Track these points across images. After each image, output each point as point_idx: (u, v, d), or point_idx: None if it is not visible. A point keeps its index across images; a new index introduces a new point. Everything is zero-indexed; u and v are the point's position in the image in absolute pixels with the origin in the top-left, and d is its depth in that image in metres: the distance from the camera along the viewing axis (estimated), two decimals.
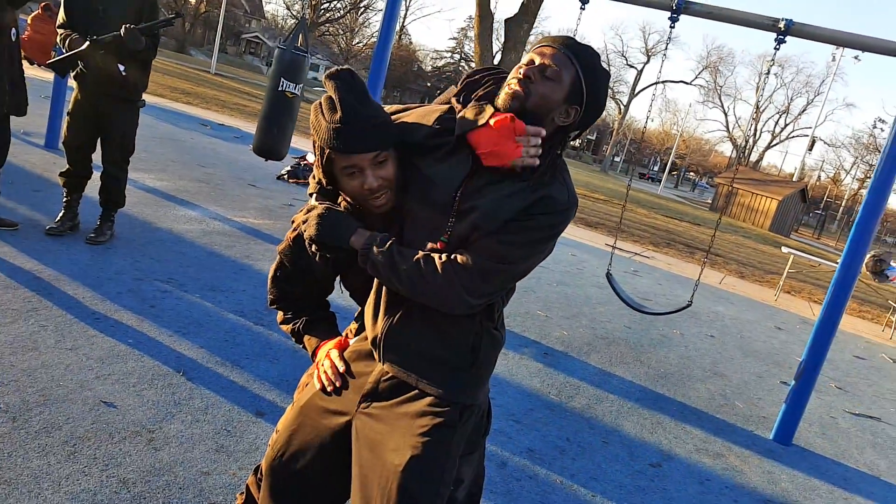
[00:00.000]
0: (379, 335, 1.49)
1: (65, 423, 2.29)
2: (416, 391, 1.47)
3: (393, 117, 1.52)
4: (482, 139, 1.36)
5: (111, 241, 4.29)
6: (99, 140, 4.25)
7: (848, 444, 4.24)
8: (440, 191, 1.42)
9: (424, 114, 1.52)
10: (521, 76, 1.39)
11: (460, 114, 1.43)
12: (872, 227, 3.74)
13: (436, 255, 1.40)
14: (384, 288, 1.50)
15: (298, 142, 12.60)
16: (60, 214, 4.23)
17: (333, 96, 1.38)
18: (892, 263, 8.97)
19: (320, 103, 1.41)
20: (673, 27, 3.99)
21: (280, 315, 1.70)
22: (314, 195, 1.56)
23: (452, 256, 1.39)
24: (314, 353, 1.64)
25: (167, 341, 3.09)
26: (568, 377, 4.06)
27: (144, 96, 4.37)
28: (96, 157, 4.28)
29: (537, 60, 1.40)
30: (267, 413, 2.71)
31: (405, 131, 1.49)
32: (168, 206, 5.55)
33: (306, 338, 1.67)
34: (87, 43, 3.81)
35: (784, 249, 10.63)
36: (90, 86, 4.03)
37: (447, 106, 1.51)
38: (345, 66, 1.43)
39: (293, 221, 1.55)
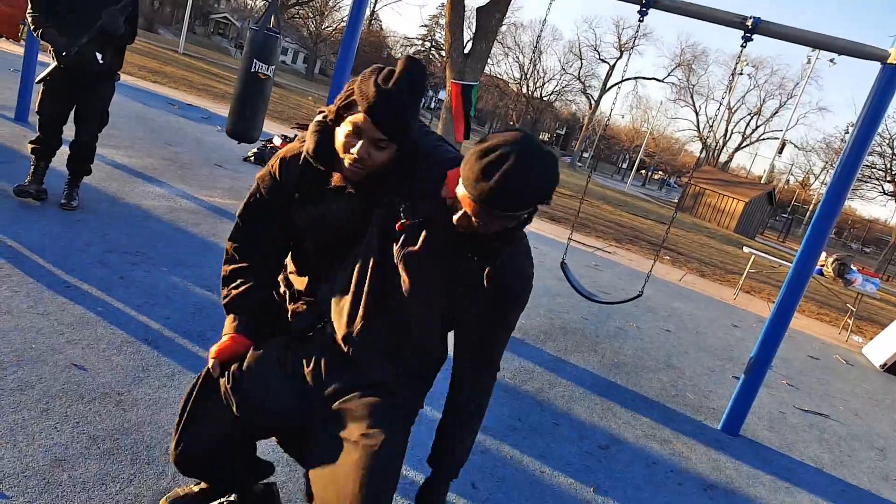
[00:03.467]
0: (355, 332, 1.57)
1: (38, 383, 2.37)
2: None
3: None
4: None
5: (79, 210, 4.34)
6: (73, 111, 4.27)
7: (795, 437, 4.42)
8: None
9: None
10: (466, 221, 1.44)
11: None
12: (828, 229, 3.86)
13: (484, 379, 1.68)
14: (365, 293, 1.56)
15: (268, 125, 12.55)
16: (28, 178, 4.26)
17: (398, 75, 1.45)
18: (853, 267, 9.31)
19: (380, 69, 1.49)
20: (642, 21, 4.02)
21: (226, 269, 1.75)
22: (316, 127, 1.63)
23: (488, 372, 1.68)
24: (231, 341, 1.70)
25: (135, 311, 3.16)
26: (523, 362, 4.21)
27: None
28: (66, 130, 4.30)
29: (473, 219, 1.42)
30: None
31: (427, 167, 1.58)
32: (135, 183, 5.55)
33: (233, 318, 1.72)
34: (69, 52, 3.87)
35: (745, 249, 10.96)
36: (70, 64, 4.04)
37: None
38: (421, 59, 1.51)
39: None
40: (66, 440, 2.11)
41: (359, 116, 1.47)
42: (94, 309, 3.05)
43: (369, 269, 1.56)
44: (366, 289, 1.56)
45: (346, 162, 1.52)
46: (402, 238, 1.53)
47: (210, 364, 1.63)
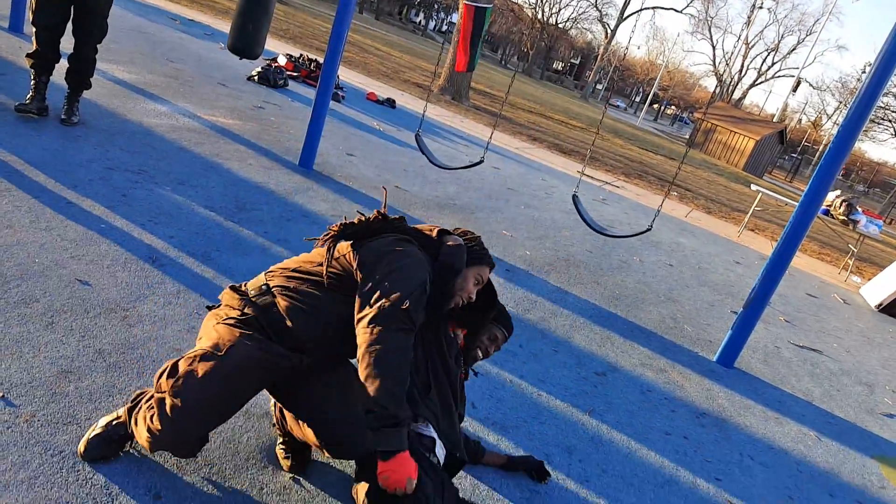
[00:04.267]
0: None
1: (42, 297, 2.38)
2: None
3: None
4: None
5: (80, 126, 4.27)
6: (71, 23, 4.15)
7: (787, 371, 4.50)
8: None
9: None
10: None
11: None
12: (836, 168, 3.81)
13: None
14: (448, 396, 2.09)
15: (272, 44, 12.24)
16: (29, 95, 4.18)
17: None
18: (858, 209, 9.28)
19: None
20: None
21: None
22: None
23: None
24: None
25: (139, 229, 3.16)
26: (527, 292, 4.24)
27: None
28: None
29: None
30: None
31: None
32: (137, 100, 5.46)
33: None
34: None
35: (753, 187, 10.87)
36: None
37: None
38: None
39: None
40: (72, 353, 2.14)
41: (486, 273, 2.04)
42: (97, 226, 3.05)
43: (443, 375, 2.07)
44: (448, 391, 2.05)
45: (463, 298, 1.98)
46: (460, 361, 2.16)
47: (414, 484, 1.61)
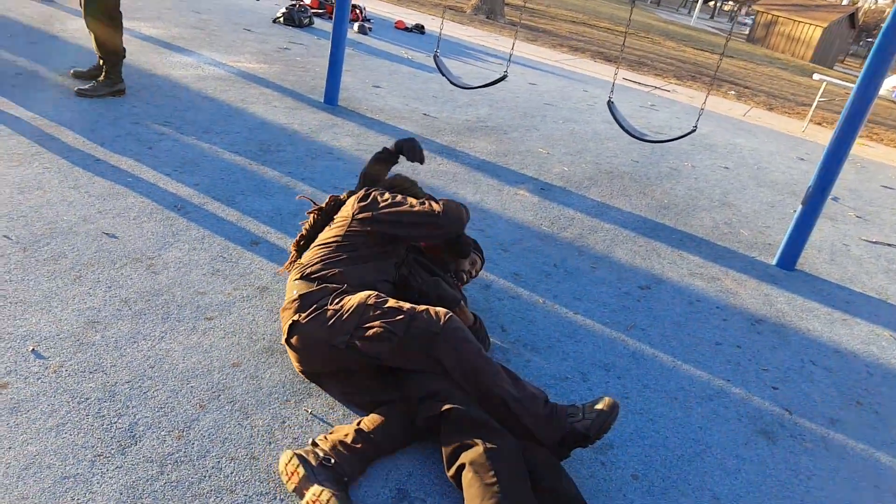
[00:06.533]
0: None
1: (70, 252, 2.44)
2: None
3: None
4: None
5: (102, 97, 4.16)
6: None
7: (858, 269, 4.22)
8: None
9: None
10: None
11: None
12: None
13: None
14: None
15: None
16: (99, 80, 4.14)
17: None
18: None
19: None
20: None
21: None
22: None
23: None
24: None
25: (164, 180, 3.18)
26: (563, 210, 4.09)
27: None
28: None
29: None
30: (261, 242, 2.83)
31: None
32: (164, 53, 5.45)
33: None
34: None
35: (815, 77, 10.12)
36: None
37: None
38: None
39: None
40: (99, 304, 2.18)
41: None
42: (124, 180, 3.08)
43: None
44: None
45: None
46: None
47: None
